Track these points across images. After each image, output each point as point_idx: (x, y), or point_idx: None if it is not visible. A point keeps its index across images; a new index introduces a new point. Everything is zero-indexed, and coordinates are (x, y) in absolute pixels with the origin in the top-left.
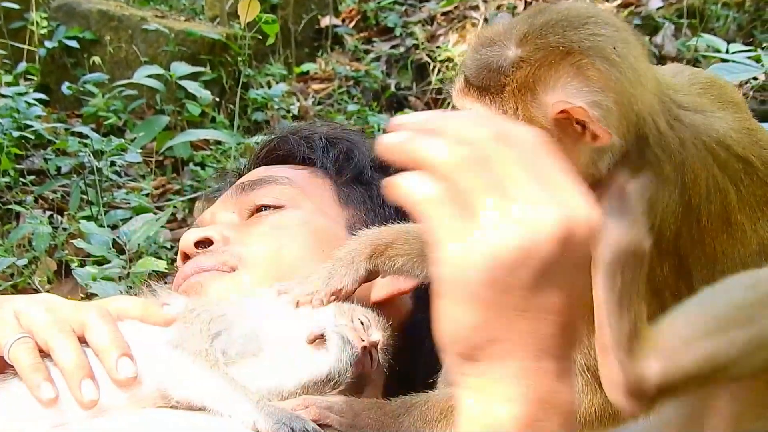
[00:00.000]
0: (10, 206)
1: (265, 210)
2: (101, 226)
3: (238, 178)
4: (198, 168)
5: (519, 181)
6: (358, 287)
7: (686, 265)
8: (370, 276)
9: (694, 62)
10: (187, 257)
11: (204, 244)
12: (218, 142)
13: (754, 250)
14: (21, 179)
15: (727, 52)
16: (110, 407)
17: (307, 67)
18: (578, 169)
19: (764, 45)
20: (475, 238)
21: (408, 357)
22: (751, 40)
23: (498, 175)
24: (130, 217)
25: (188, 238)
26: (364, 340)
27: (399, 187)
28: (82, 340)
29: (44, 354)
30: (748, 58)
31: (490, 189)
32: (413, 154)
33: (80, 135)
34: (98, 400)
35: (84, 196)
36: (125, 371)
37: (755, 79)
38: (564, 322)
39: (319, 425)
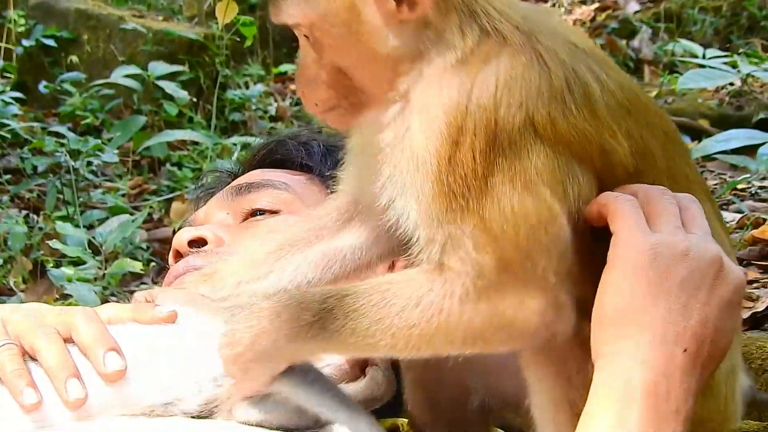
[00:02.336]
0: None
1: (261, 214)
2: (77, 226)
3: (233, 179)
4: (175, 168)
5: (696, 221)
6: None
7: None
8: None
9: (671, 66)
10: (179, 255)
11: (197, 243)
12: (195, 143)
13: (627, 151)
14: None
15: (703, 57)
16: (100, 409)
17: (285, 67)
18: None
19: (740, 50)
20: (652, 231)
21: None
22: (728, 45)
23: (673, 208)
24: (107, 218)
25: (182, 237)
26: None
27: (603, 200)
28: (71, 343)
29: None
30: (725, 63)
31: (672, 214)
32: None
33: (57, 134)
34: (85, 399)
35: (60, 196)
36: (113, 365)
37: (731, 84)
38: (700, 334)
39: None
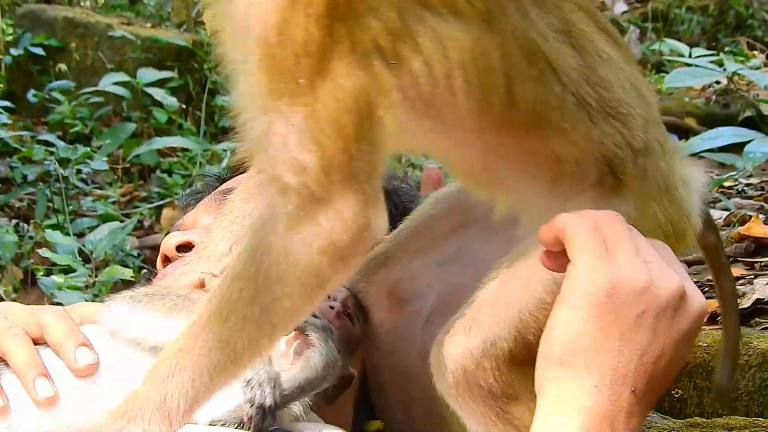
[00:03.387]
0: None
1: None
2: (67, 234)
3: (221, 183)
4: (165, 175)
5: (649, 249)
6: None
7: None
8: None
9: (659, 66)
10: (168, 260)
11: (185, 248)
12: (185, 149)
13: None
14: None
15: (690, 56)
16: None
17: None
18: None
19: (727, 49)
20: (611, 262)
21: None
22: (715, 44)
23: (631, 236)
24: (97, 225)
25: (170, 242)
26: (333, 307)
27: (560, 224)
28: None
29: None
30: (711, 62)
31: (629, 241)
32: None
33: (46, 143)
34: (54, 397)
35: (50, 204)
36: (84, 359)
37: (718, 83)
38: (651, 371)
39: None
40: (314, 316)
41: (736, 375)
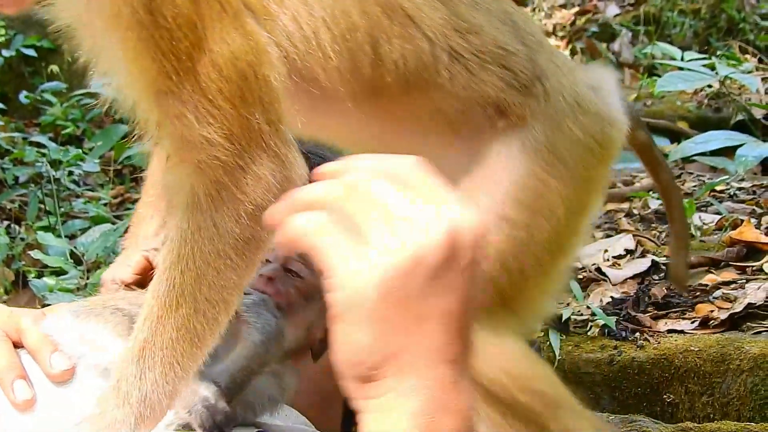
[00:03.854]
0: None
1: None
2: (59, 236)
3: None
4: None
5: (401, 201)
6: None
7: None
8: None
9: (651, 69)
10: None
11: None
12: None
13: None
14: None
15: (682, 59)
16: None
17: None
18: None
19: (719, 52)
20: (367, 257)
21: None
22: (706, 47)
23: (381, 199)
24: (89, 227)
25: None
26: (262, 275)
27: (288, 229)
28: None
29: None
30: (703, 66)
31: (374, 209)
32: (296, 200)
33: (38, 144)
34: (33, 400)
35: (42, 206)
36: (59, 365)
37: (710, 86)
38: (458, 327)
39: None
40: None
41: (688, 259)
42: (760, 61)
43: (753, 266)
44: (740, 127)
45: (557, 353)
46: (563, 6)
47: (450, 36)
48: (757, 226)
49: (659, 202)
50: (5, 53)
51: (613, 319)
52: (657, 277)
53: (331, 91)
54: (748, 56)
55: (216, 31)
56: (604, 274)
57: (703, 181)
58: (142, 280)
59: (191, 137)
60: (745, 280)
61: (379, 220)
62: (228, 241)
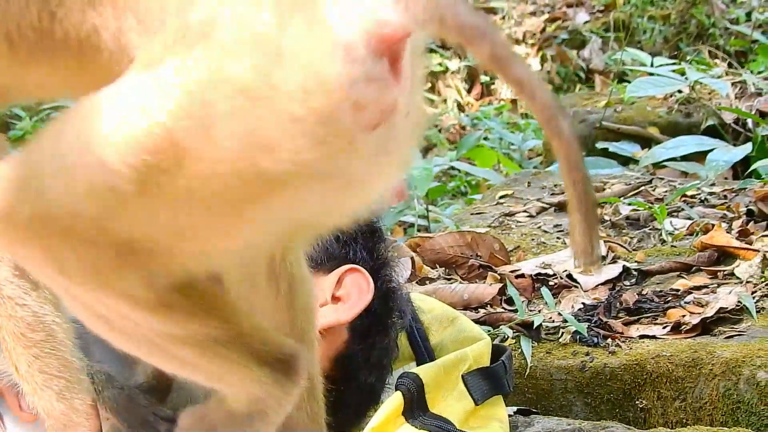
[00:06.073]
0: None
1: None
2: None
3: None
4: None
5: None
6: None
7: None
8: None
9: (621, 75)
10: None
11: None
12: None
13: None
14: None
15: (652, 65)
16: None
17: None
18: None
19: (689, 58)
20: None
21: (340, 387)
22: (676, 53)
23: None
24: None
25: None
26: None
27: None
28: None
29: None
30: (673, 71)
31: None
32: None
33: None
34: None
35: None
36: None
37: (680, 92)
38: None
39: None
40: None
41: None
42: (730, 65)
43: (724, 271)
44: (711, 132)
45: (529, 360)
46: (533, 14)
47: None
48: (729, 231)
49: (630, 207)
50: None
51: (585, 325)
52: (628, 283)
53: None
54: (717, 61)
55: None
56: (575, 280)
57: (674, 186)
58: None
59: None
60: (716, 285)
61: None
62: None
